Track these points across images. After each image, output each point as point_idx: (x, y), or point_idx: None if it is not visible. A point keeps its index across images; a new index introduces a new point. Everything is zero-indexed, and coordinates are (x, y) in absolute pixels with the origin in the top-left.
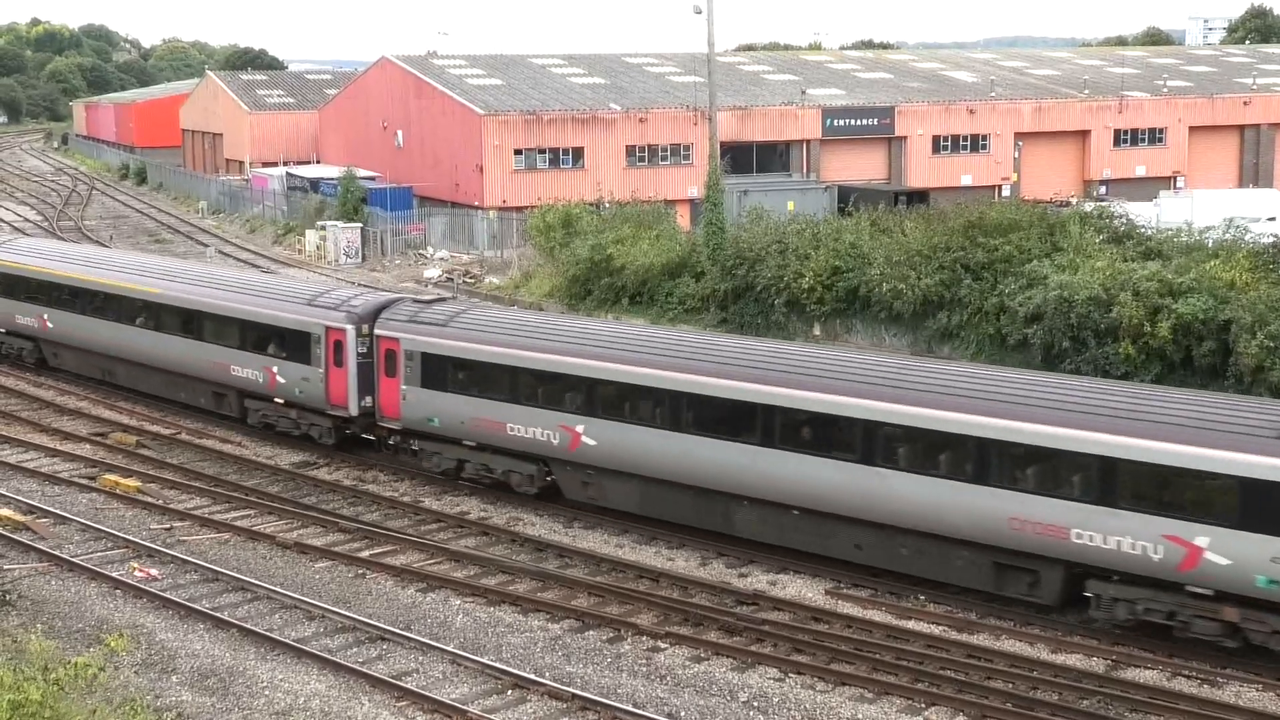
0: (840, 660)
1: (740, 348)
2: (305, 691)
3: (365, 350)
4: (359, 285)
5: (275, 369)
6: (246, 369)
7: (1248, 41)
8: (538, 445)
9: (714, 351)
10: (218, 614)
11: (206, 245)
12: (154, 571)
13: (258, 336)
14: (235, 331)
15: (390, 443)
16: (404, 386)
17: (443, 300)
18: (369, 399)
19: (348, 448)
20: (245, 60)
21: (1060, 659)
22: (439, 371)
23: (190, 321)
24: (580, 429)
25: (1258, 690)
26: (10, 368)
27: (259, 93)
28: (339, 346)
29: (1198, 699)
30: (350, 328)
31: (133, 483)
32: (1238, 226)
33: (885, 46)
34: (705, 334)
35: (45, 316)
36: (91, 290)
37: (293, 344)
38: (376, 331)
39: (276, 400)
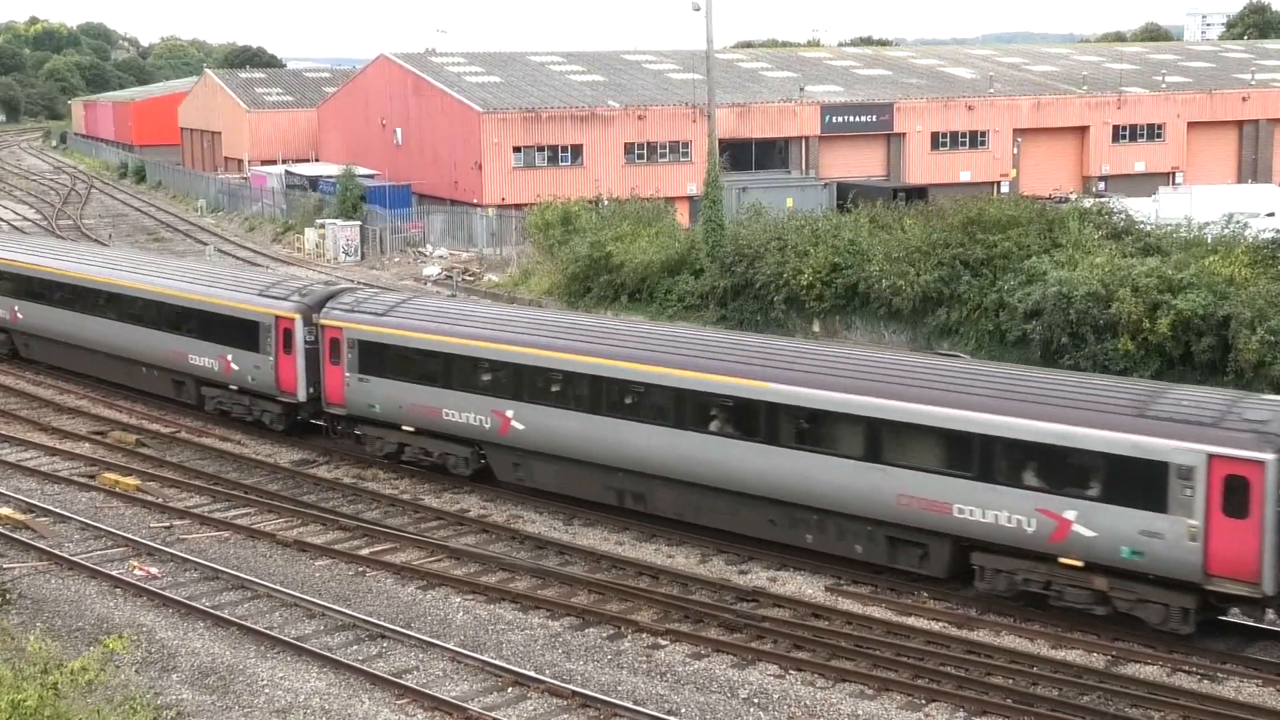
0: (840, 657)
1: (652, 333)
2: (305, 689)
3: (313, 339)
4: (322, 278)
5: (230, 357)
6: (203, 357)
7: (1246, 37)
8: (471, 430)
9: (627, 336)
10: (218, 612)
11: (205, 244)
12: (154, 570)
13: (213, 326)
14: (192, 321)
15: (337, 429)
16: (346, 374)
17: (389, 291)
18: (315, 386)
19: (299, 433)
20: (244, 58)
21: (1060, 655)
22: (378, 359)
23: (150, 311)
24: (510, 414)
25: (1257, 685)
26: (9, 366)
27: (257, 91)
28: (288, 335)
29: (1198, 694)
30: (298, 316)
31: (132, 481)
32: (1237, 222)
33: (884, 43)
34: (627, 320)
35: (16, 309)
36: (58, 282)
37: (245, 333)
38: (321, 320)
39: (231, 387)
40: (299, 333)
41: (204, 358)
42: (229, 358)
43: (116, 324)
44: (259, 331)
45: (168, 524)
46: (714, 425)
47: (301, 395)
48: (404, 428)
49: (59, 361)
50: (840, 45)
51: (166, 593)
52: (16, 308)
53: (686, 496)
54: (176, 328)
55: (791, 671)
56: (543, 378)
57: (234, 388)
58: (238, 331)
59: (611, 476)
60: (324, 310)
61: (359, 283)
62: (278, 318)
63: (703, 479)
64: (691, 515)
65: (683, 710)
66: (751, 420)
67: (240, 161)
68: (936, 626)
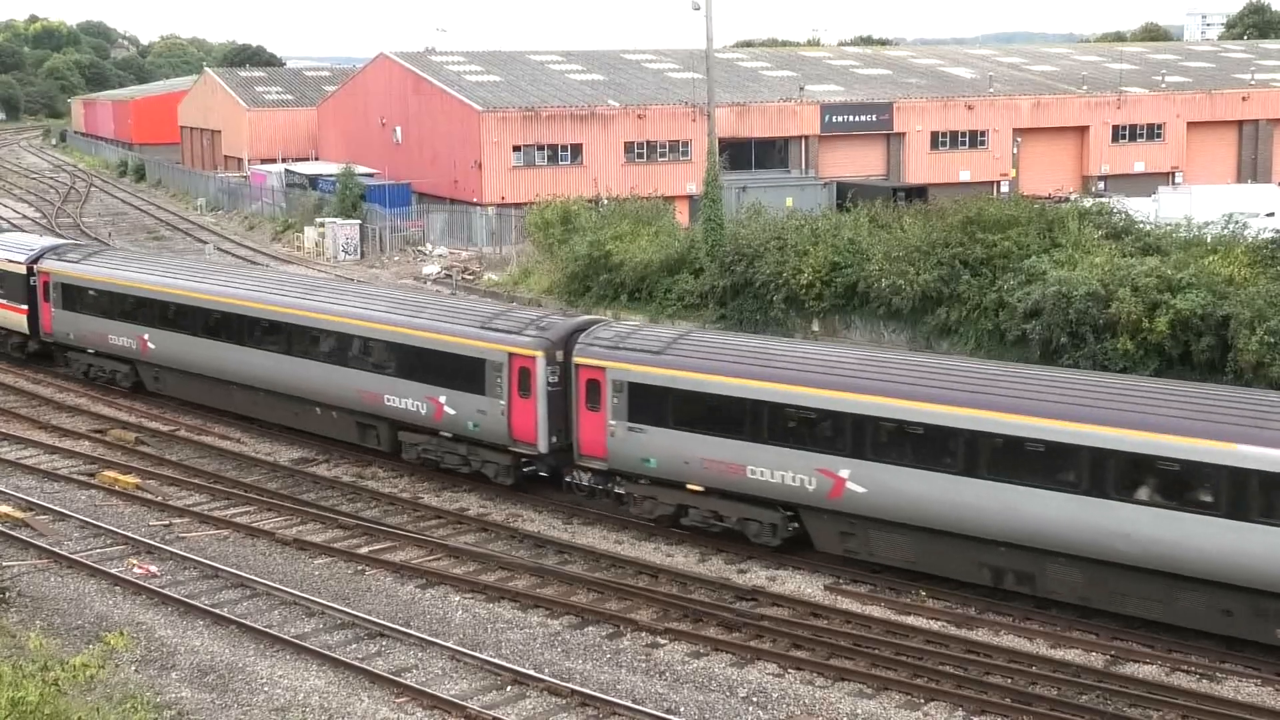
0: (839, 655)
1: (1037, 378)
2: (304, 688)
3: (557, 379)
4: (542, 308)
5: (443, 399)
6: (405, 399)
7: (1246, 37)
8: (786, 491)
9: (1002, 380)
10: (217, 610)
11: (205, 242)
12: (153, 568)
13: (420, 362)
14: (391, 356)
15: (591, 485)
16: (611, 422)
17: (652, 325)
18: (560, 435)
19: (525, 488)
20: (243, 57)
21: (1059, 654)
22: (656, 405)
23: (331, 344)
24: (844, 473)
25: (1256, 685)
26: (14, 366)
27: (257, 89)
28: (525, 375)
29: (1196, 694)
30: (540, 354)
31: (132, 479)
32: (1237, 222)
33: (884, 42)
34: (995, 362)
35: (146, 337)
36: (204, 308)
37: (466, 371)
38: (576, 359)
39: (442, 434)
40: (540, 373)
41: (406, 399)
42: (441, 400)
43: (284, 358)
44: (485, 370)
45: (167, 522)
46: (1149, 493)
47: (542, 445)
48: (689, 486)
49: (199, 397)
50: (840, 45)
51: (166, 591)
52: (146, 336)
53: (1098, 577)
54: (369, 364)
55: (790, 670)
56: (895, 431)
57: (446, 434)
58: (455, 370)
59: (989, 551)
60: (576, 346)
61: (598, 317)
62: (512, 355)
63: (1126, 557)
64: (1103, 600)
65: (682, 709)
66: (1207, 489)
67: (240, 160)
68: (935, 626)
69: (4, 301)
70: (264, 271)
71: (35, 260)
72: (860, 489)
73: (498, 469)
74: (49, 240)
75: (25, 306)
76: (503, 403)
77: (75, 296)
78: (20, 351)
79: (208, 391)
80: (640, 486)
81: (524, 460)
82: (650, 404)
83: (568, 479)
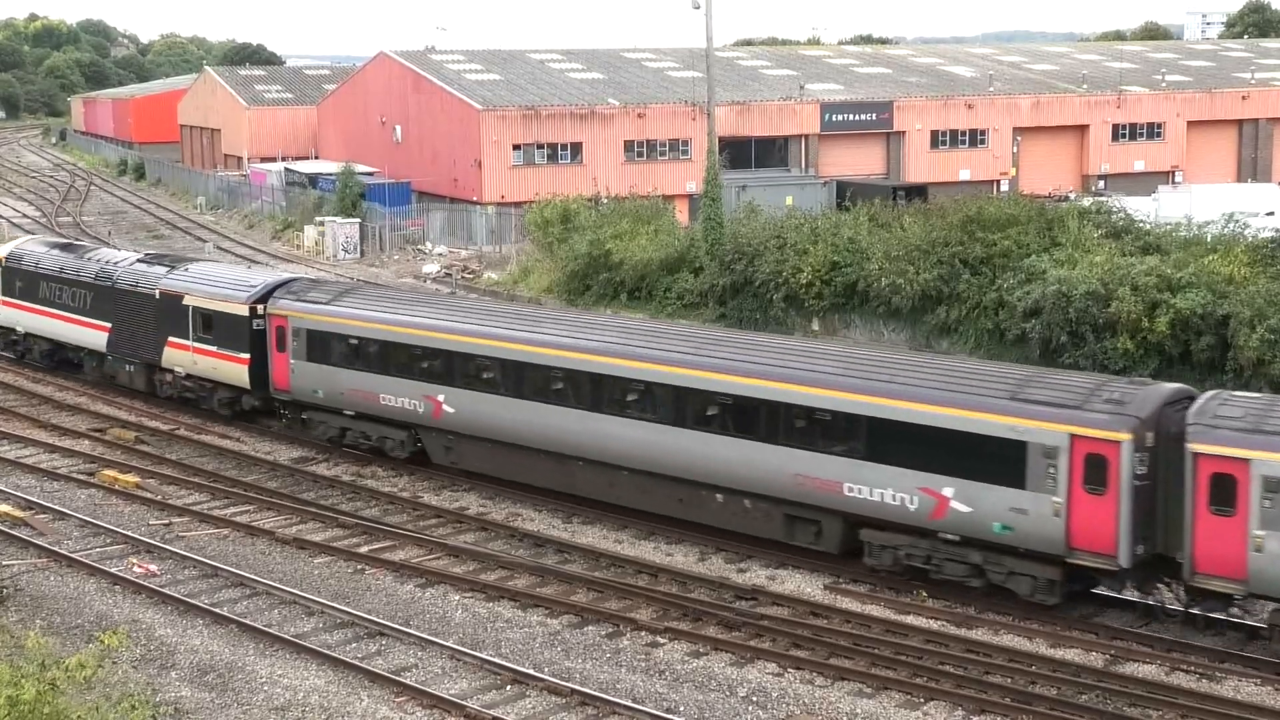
0: (839, 655)
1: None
2: (304, 687)
3: (1145, 471)
4: (1093, 375)
5: (948, 491)
6: (879, 488)
7: (1246, 36)
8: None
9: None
10: (216, 609)
11: (205, 241)
12: (153, 567)
13: (911, 442)
14: (857, 432)
15: (1219, 613)
16: (1259, 532)
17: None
18: (1147, 543)
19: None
20: (243, 55)
21: (1059, 654)
22: None
23: (754, 414)
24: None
25: (1256, 684)
26: (13, 365)
27: (257, 88)
28: (1098, 463)
29: (1196, 693)
30: (1127, 437)
31: (131, 478)
32: (1238, 221)
33: (884, 41)
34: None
35: (442, 398)
36: (536, 364)
37: (993, 456)
38: (1193, 447)
39: (943, 536)
40: (1125, 462)
41: (881, 489)
42: (946, 492)
43: (667, 430)
44: (1027, 456)
45: (167, 521)
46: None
47: (1123, 558)
48: None
49: (516, 474)
50: (840, 43)
51: (165, 590)
52: (441, 397)
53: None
54: (816, 440)
55: (790, 670)
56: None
57: (949, 536)
58: (971, 453)
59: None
60: (1190, 429)
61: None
62: (1076, 437)
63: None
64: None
65: (681, 708)
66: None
67: (239, 159)
68: (935, 625)
69: (213, 349)
70: (620, 320)
71: (261, 300)
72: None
73: (1035, 584)
74: (275, 274)
75: (246, 356)
76: (1055, 499)
77: (328, 346)
78: (229, 408)
79: (532, 467)
80: None
81: (1080, 572)
82: None
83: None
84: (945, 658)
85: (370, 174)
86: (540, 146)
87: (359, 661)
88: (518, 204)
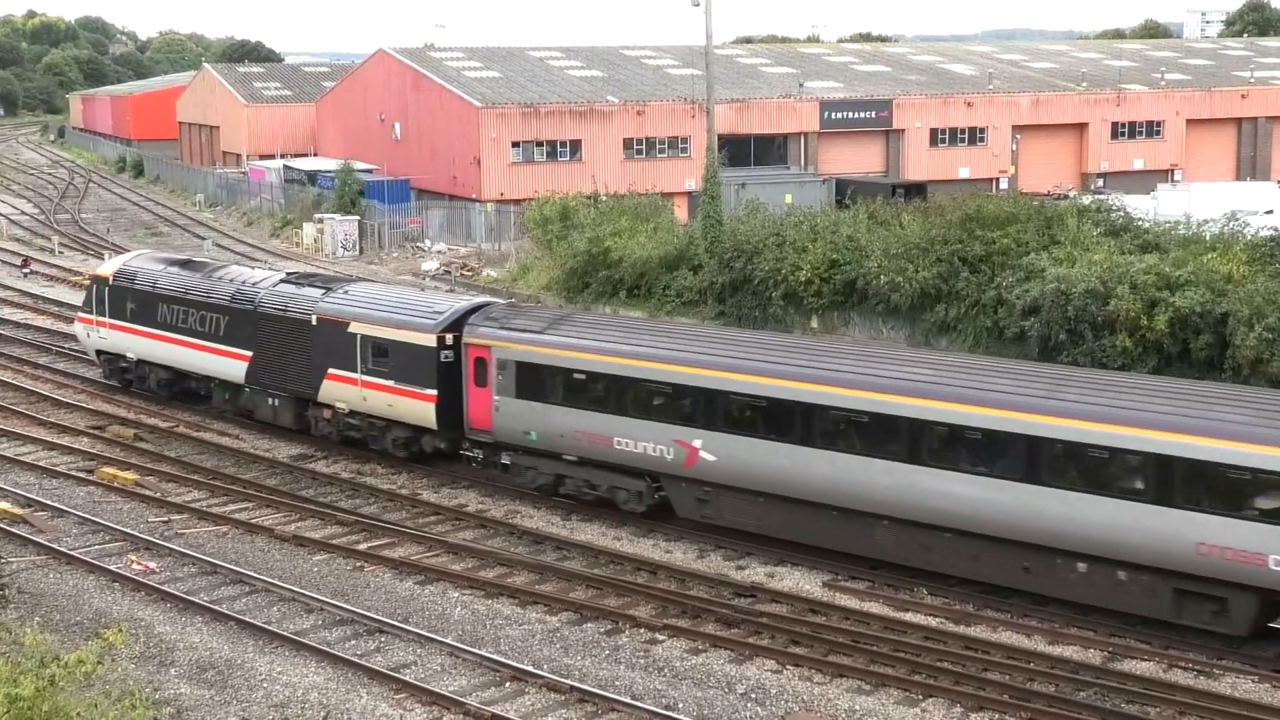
0: (838, 652)
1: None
2: (304, 684)
3: None
4: None
5: None
6: None
7: (1245, 34)
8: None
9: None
10: (216, 606)
11: (204, 238)
12: (152, 564)
13: None
14: None
15: None
16: None
17: None
18: None
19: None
20: (242, 53)
21: (1057, 650)
22: None
23: (1137, 470)
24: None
25: (1254, 681)
26: (13, 362)
27: (256, 85)
28: None
29: (1194, 690)
30: None
31: (130, 475)
32: (1237, 220)
33: (883, 39)
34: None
35: (699, 443)
36: (830, 407)
37: None
38: None
39: None
40: None
41: None
42: None
43: (1012, 486)
44: None
45: (166, 518)
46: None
47: None
48: None
49: (793, 533)
50: (839, 41)
51: (165, 587)
52: (699, 442)
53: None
54: (1235, 503)
55: (789, 667)
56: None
57: None
58: None
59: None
60: None
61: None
62: None
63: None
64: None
65: (680, 705)
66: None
67: (238, 156)
68: (934, 622)
69: (388, 383)
70: (928, 354)
71: (450, 327)
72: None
73: None
74: (461, 299)
75: (433, 392)
76: None
77: (545, 380)
78: (405, 449)
79: (814, 525)
80: None
81: None
82: None
83: None
84: (944, 655)
85: (369, 171)
86: (539, 144)
87: (358, 658)
88: (517, 201)
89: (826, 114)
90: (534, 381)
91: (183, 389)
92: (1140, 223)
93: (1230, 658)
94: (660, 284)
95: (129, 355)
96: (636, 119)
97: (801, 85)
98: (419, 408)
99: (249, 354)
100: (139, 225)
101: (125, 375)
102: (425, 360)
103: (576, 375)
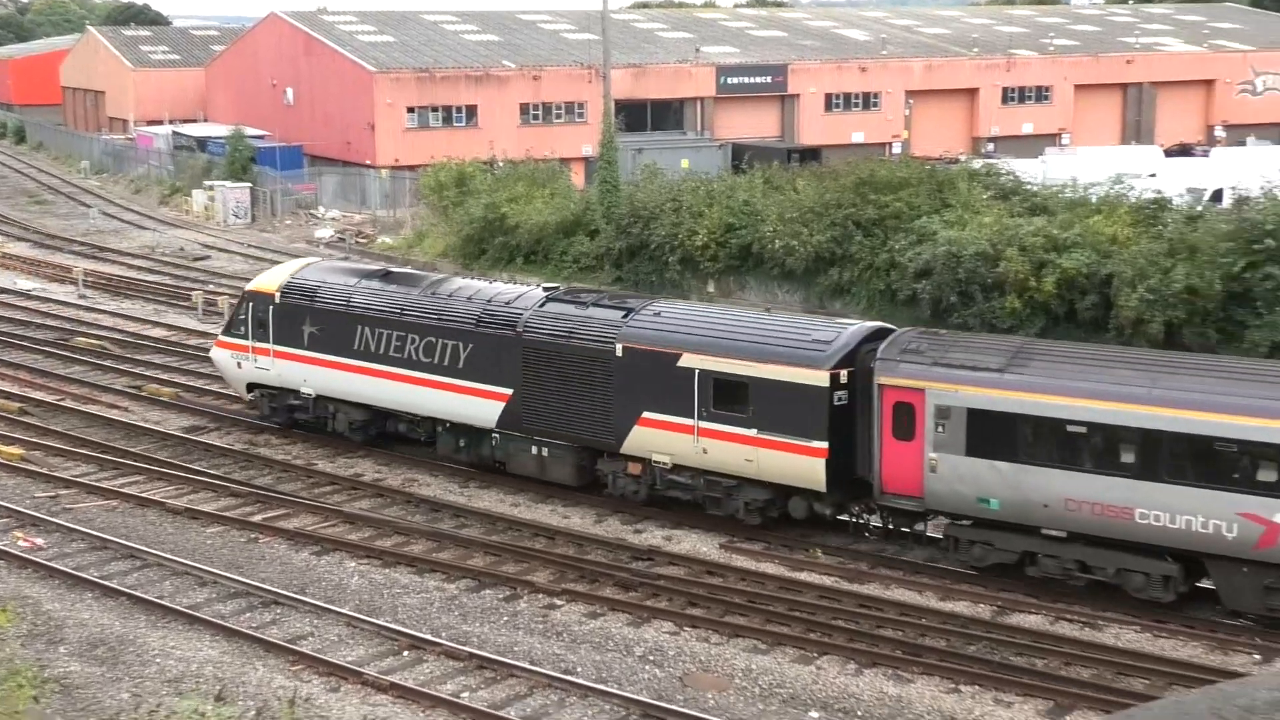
0: (734, 613)
1: None
2: (198, 658)
3: None
4: None
5: None
6: None
7: (1131, 1)
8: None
9: None
10: (106, 582)
11: (89, 206)
12: (39, 540)
13: None
14: None
15: None
16: None
17: None
18: None
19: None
20: (128, 15)
21: (948, 606)
22: None
23: None
24: None
25: (1135, 631)
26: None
27: (143, 49)
28: None
29: (1080, 641)
30: None
31: (15, 450)
32: (1122, 182)
33: (779, 4)
34: None
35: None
36: None
37: None
38: None
39: None
40: None
41: None
42: None
43: None
44: None
45: (53, 493)
46: None
47: None
48: None
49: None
50: (736, 7)
51: (53, 564)
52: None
53: None
54: None
55: (686, 628)
56: None
57: None
58: None
59: None
60: None
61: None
62: None
63: None
64: None
65: (579, 669)
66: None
67: (125, 122)
68: (828, 581)
69: (743, 431)
70: None
71: (843, 361)
72: None
73: None
74: (844, 324)
75: (824, 445)
76: None
77: (1017, 435)
78: (761, 515)
79: None
80: None
81: None
82: None
83: None
84: (838, 613)
85: (261, 137)
86: (435, 109)
87: (254, 631)
88: (412, 168)
89: (723, 79)
90: (997, 435)
91: (384, 431)
92: (1029, 186)
93: (1114, 610)
94: (557, 249)
95: (304, 390)
96: (533, 84)
97: (698, 50)
98: (800, 464)
99: (506, 392)
100: (21, 193)
101: (294, 414)
102: (814, 404)
103: (1073, 428)
